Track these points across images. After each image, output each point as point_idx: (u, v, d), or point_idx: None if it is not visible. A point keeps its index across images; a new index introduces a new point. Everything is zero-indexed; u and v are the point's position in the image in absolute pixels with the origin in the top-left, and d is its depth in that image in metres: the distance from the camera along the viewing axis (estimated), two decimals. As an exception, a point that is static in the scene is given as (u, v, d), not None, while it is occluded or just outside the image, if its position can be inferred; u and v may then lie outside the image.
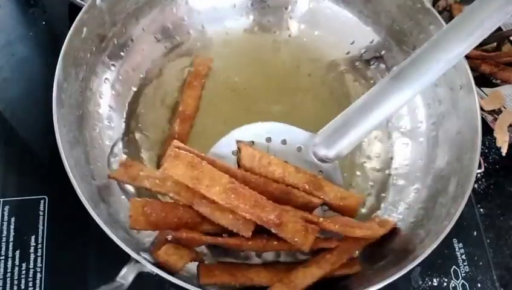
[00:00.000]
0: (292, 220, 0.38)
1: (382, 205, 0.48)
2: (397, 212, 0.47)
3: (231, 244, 0.38)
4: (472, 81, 0.45)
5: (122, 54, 0.50)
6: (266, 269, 0.40)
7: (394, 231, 0.43)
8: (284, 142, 0.42)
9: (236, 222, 0.37)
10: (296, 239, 0.38)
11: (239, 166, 0.42)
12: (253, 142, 0.42)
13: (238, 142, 0.42)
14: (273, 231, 0.37)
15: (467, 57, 0.47)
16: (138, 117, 0.49)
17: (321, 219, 0.39)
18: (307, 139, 0.43)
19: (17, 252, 0.45)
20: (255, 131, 0.42)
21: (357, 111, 0.41)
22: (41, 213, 0.46)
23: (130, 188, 0.45)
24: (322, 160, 0.43)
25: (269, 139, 0.42)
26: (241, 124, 0.50)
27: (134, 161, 0.42)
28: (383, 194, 0.48)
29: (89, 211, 0.36)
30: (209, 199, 0.37)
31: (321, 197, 0.41)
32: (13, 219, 0.46)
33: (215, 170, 0.37)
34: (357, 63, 0.55)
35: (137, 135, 0.49)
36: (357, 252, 0.43)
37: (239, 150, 0.41)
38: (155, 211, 0.38)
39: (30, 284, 0.44)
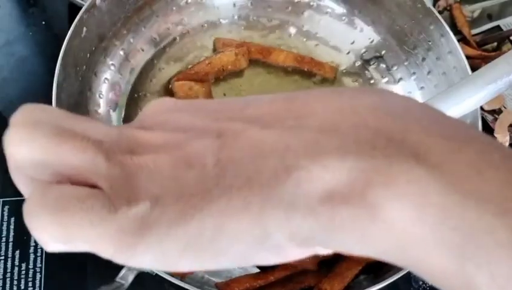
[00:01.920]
0: None
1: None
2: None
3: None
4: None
5: (122, 53, 0.50)
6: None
7: None
8: None
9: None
10: None
11: None
12: None
13: None
14: None
15: (467, 57, 0.47)
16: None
17: None
18: None
19: (17, 252, 0.45)
20: None
21: None
22: (41, 213, 0.46)
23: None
24: None
25: None
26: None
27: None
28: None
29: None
30: None
31: None
32: (12, 219, 0.46)
33: None
34: (357, 63, 0.55)
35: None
36: None
37: None
38: None
39: (30, 284, 0.43)
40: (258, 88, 0.52)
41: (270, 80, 0.53)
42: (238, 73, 0.52)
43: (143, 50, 0.52)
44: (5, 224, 0.45)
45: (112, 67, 0.49)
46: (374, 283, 0.36)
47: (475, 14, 0.61)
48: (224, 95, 0.52)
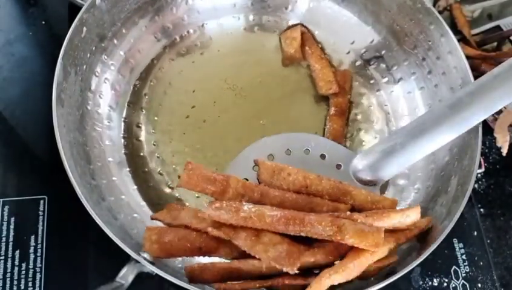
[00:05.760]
0: (348, 221, 0.35)
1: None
2: (397, 212, 0.47)
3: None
4: (473, 81, 0.45)
5: (122, 53, 0.50)
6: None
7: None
8: (323, 156, 0.40)
9: (279, 255, 0.34)
10: (363, 241, 0.34)
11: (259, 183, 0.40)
12: (290, 151, 0.40)
13: (255, 160, 0.40)
14: (338, 241, 0.34)
15: (467, 57, 0.47)
16: (139, 117, 0.49)
17: (349, 213, 0.36)
18: (348, 157, 0.40)
19: (17, 252, 0.44)
20: (293, 140, 0.40)
21: (408, 136, 0.39)
22: (41, 213, 0.46)
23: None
24: (362, 182, 0.40)
25: (307, 152, 0.40)
26: (242, 125, 0.50)
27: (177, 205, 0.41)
28: (383, 194, 0.48)
29: (89, 211, 0.36)
30: (250, 232, 0.35)
31: (349, 202, 0.38)
32: (12, 219, 0.46)
33: (256, 206, 0.36)
34: (357, 63, 0.55)
35: (138, 134, 0.49)
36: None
37: (257, 166, 0.39)
38: (169, 237, 0.37)
39: (30, 284, 0.43)
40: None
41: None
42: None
43: (143, 50, 0.52)
44: (5, 224, 0.45)
45: (112, 67, 0.49)
46: (373, 283, 0.36)
47: (476, 14, 0.61)
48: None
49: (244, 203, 0.36)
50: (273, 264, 0.34)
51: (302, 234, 0.35)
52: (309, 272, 0.37)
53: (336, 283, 0.34)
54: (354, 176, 0.41)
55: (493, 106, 0.36)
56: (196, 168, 0.38)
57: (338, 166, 0.40)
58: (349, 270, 0.34)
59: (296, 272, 0.33)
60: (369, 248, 0.35)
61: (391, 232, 0.37)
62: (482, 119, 0.37)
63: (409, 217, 0.38)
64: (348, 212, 0.37)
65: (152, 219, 0.39)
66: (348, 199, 0.39)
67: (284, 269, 0.34)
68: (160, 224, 0.39)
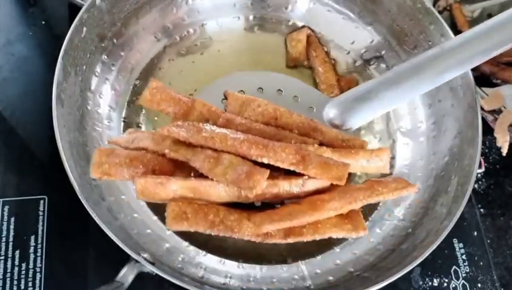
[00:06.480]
0: (313, 153, 0.34)
1: (383, 205, 0.48)
2: (397, 212, 0.47)
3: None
4: (473, 81, 0.45)
5: (122, 53, 0.50)
6: (250, 216, 0.34)
7: None
8: (295, 98, 0.40)
9: (238, 177, 0.32)
10: (326, 173, 0.33)
11: None
12: (262, 89, 0.39)
13: (224, 92, 0.39)
14: (300, 171, 0.33)
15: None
16: (139, 117, 0.49)
17: (316, 146, 0.35)
18: (321, 101, 0.40)
19: (17, 252, 0.45)
20: (267, 79, 0.39)
21: (382, 84, 0.39)
22: (41, 213, 0.46)
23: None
24: (334, 126, 0.40)
25: (280, 92, 0.39)
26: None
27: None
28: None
29: (89, 211, 0.36)
30: (209, 154, 0.33)
31: (318, 138, 0.37)
32: (12, 219, 0.46)
33: (219, 128, 0.34)
34: (357, 63, 0.55)
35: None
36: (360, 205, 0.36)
37: (225, 97, 0.38)
38: (120, 158, 0.35)
39: (30, 284, 0.43)
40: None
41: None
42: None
43: (143, 50, 0.52)
44: (5, 224, 0.45)
45: (112, 67, 0.49)
46: (374, 282, 0.36)
47: (475, 14, 0.61)
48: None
49: (207, 124, 0.34)
50: (232, 185, 0.32)
51: (265, 160, 0.33)
52: (270, 205, 0.36)
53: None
54: (327, 120, 0.41)
55: (469, 62, 0.37)
56: (161, 87, 0.36)
57: (310, 109, 0.40)
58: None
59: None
60: (332, 181, 0.33)
61: (364, 189, 0.37)
62: (459, 74, 0.38)
63: (378, 157, 0.38)
64: (316, 145, 0.36)
65: (108, 143, 0.38)
66: (318, 135, 0.38)
67: (243, 193, 0.32)
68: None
